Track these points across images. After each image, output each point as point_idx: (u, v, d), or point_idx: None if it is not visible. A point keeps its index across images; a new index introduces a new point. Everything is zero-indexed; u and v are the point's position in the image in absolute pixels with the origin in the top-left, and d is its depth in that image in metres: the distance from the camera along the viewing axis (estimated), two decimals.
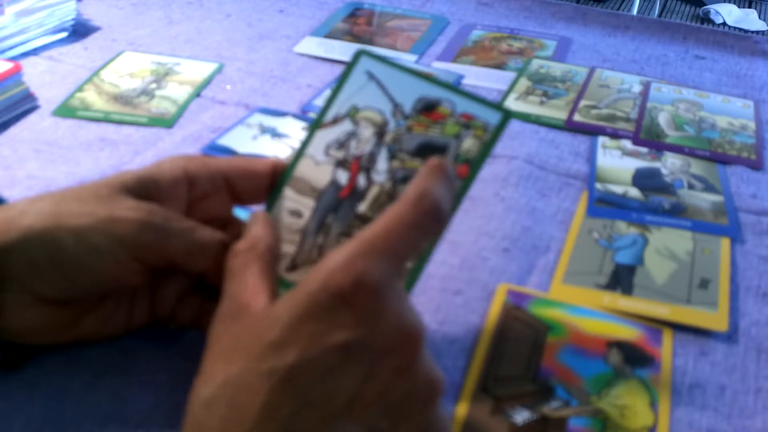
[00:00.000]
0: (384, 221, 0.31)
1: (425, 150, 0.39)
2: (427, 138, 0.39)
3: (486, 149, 0.39)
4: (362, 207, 0.39)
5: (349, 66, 0.41)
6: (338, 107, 0.41)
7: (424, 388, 0.31)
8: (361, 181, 0.39)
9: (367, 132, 0.40)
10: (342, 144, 0.40)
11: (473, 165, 0.38)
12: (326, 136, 0.40)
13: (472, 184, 0.38)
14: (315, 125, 0.41)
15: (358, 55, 0.41)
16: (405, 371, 0.30)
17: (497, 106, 0.39)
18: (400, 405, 0.30)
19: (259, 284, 0.32)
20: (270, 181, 0.39)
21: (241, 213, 0.41)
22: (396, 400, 0.30)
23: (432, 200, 0.32)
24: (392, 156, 0.39)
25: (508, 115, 0.38)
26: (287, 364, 0.28)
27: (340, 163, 0.40)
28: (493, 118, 0.39)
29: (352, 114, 0.40)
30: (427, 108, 0.39)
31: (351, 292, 0.29)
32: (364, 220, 0.39)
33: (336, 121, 0.40)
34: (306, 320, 0.29)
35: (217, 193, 0.38)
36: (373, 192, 0.39)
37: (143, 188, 0.37)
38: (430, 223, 0.32)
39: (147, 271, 0.37)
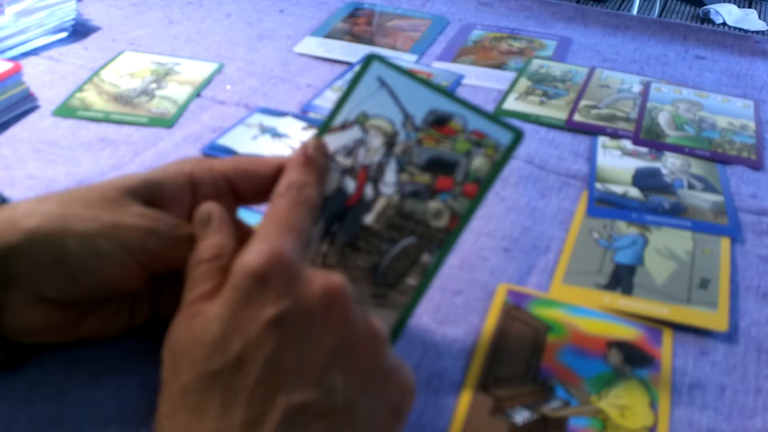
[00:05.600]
0: (270, 213, 0.35)
1: (435, 165, 0.39)
2: (438, 153, 0.39)
3: (496, 169, 0.38)
4: (369, 218, 0.39)
5: (360, 70, 0.40)
6: (347, 112, 0.40)
7: (366, 338, 0.32)
8: (369, 191, 0.39)
9: (376, 141, 0.39)
10: (350, 151, 0.39)
11: (483, 184, 0.38)
12: (334, 141, 0.40)
13: (482, 203, 0.38)
14: (323, 129, 0.40)
15: (369, 60, 0.40)
16: (342, 325, 0.31)
17: (509, 126, 0.39)
18: (347, 358, 0.31)
19: (217, 293, 0.32)
20: (274, 183, 0.39)
21: (245, 214, 0.41)
22: (341, 354, 0.31)
23: (298, 183, 0.37)
24: (401, 168, 0.39)
25: (519, 135, 0.38)
26: (234, 356, 0.29)
27: (348, 171, 0.39)
28: (504, 137, 0.38)
29: (362, 121, 0.40)
30: (439, 122, 0.39)
31: (266, 269, 0.31)
32: (370, 232, 0.39)
33: (344, 126, 0.40)
34: (238, 310, 0.30)
35: (221, 196, 0.38)
36: (381, 204, 0.39)
37: (148, 192, 0.37)
38: (304, 198, 0.36)
39: (150, 276, 0.37)
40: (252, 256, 0.31)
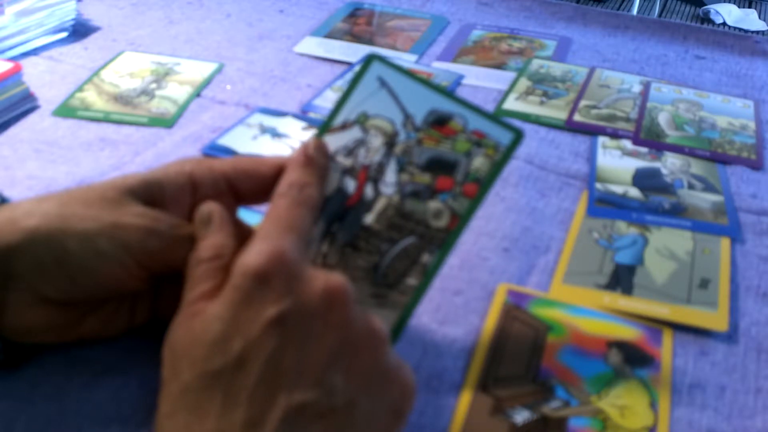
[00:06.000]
0: (271, 213, 0.35)
1: (435, 165, 0.39)
2: (438, 153, 0.39)
3: (496, 169, 0.38)
4: (369, 219, 0.39)
5: (361, 70, 0.40)
6: (348, 112, 0.40)
7: (366, 338, 0.32)
8: (369, 191, 0.39)
9: (376, 141, 0.39)
10: (350, 151, 0.39)
11: (483, 184, 0.38)
12: (334, 141, 0.40)
13: (482, 204, 0.38)
14: (323, 129, 0.40)
15: (370, 60, 0.40)
16: (342, 325, 0.31)
17: (509, 126, 0.39)
18: (347, 358, 0.31)
19: (217, 293, 0.32)
20: (274, 183, 0.39)
21: (245, 214, 0.41)
22: (342, 354, 0.31)
23: (299, 183, 0.37)
24: (401, 168, 0.39)
25: (519, 135, 0.38)
26: (235, 356, 0.29)
27: (348, 171, 0.39)
28: (504, 137, 0.38)
29: (362, 121, 0.40)
30: (439, 122, 0.39)
31: (267, 268, 0.31)
32: (371, 232, 0.39)
33: (345, 126, 0.40)
34: (239, 310, 0.30)
35: (221, 196, 0.38)
36: (381, 204, 0.39)
37: (148, 192, 0.37)
38: (305, 198, 0.36)
39: (150, 276, 0.37)
40: (253, 255, 0.31)
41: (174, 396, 0.30)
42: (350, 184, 0.39)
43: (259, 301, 0.30)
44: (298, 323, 0.30)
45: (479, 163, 0.39)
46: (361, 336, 0.32)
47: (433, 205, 0.39)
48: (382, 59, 0.40)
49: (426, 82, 0.40)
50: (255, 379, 0.29)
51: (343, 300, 0.32)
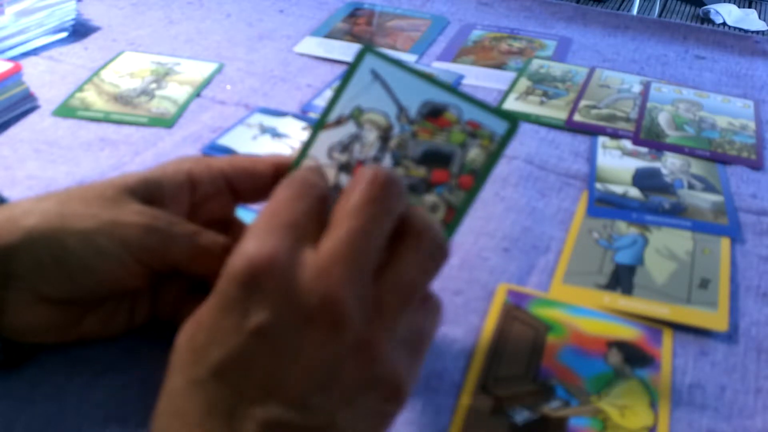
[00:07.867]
0: (269, 205, 0.31)
1: (430, 158, 0.39)
2: (433, 145, 0.39)
3: (492, 160, 0.38)
4: None
5: (354, 63, 0.40)
6: (342, 107, 0.40)
7: (356, 350, 0.29)
8: None
9: (371, 136, 0.39)
10: (345, 147, 0.39)
11: (478, 176, 0.38)
12: (329, 137, 0.40)
13: (478, 196, 0.38)
14: (318, 126, 0.40)
15: (363, 52, 0.40)
16: (331, 341, 0.28)
17: (505, 114, 0.38)
18: (332, 376, 0.29)
19: None
20: (272, 181, 0.39)
21: (243, 213, 0.41)
22: (326, 373, 0.28)
23: (303, 176, 0.33)
24: (397, 162, 0.39)
25: (515, 125, 0.38)
26: (213, 365, 0.28)
27: (344, 167, 0.39)
28: (500, 127, 0.38)
29: (356, 116, 0.40)
30: (433, 113, 0.39)
31: (254, 272, 0.28)
32: None
33: (340, 122, 0.40)
34: (222, 317, 0.29)
35: (219, 194, 0.38)
36: None
37: (147, 191, 0.37)
38: (308, 190, 0.33)
39: (150, 274, 0.37)
40: (239, 257, 0.29)
41: (166, 396, 0.30)
42: (346, 181, 0.39)
43: (242, 309, 0.28)
44: (280, 336, 0.28)
45: (474, 154, 0.38)
46: (352, 350, 0.29)
47: (429, 198, 0.39)
48: (375, 51, 0.40)
49: (419, 73, 0.39)
50: (231, 390, 0.28)
51: (338, 311, 0.29)
